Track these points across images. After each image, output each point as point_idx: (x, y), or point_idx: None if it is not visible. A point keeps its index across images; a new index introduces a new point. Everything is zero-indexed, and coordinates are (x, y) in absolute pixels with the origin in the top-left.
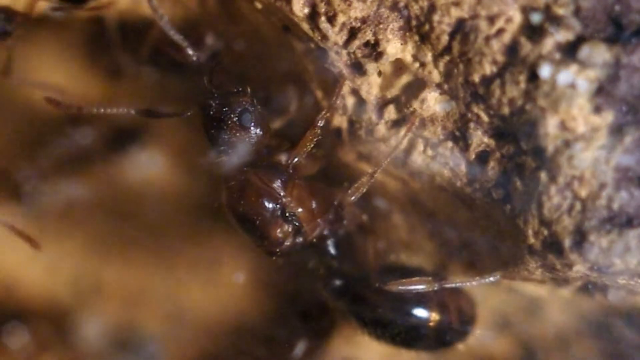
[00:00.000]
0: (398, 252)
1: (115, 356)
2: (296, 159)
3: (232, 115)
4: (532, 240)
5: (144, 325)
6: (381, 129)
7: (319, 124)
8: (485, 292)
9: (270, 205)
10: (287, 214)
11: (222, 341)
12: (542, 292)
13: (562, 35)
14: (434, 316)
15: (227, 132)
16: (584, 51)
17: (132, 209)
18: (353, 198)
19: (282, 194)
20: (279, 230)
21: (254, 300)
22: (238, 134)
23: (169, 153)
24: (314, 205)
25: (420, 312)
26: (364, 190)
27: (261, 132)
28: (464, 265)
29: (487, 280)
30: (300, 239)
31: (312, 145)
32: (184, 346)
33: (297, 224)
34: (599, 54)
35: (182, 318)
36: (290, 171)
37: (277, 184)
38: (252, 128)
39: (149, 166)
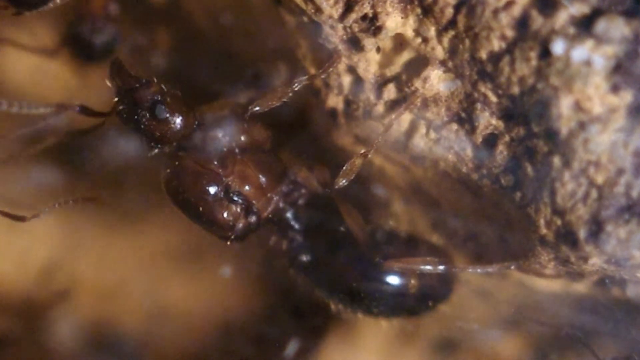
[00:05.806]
0: (374, 214)
1: (91, 355)
2: (257, 108)
3: (144, 112)
4: (544, 230)
5: (121, 322)
6: (380, 110)
7: (293, 86)
8: (493, 287)
9: (210, 188)
10: (231, 194)
11: (207, 340)
12: (555, 287)
13: (576, 8)
14: (413, 283)
15: (147, 129)
16: (601, 25)
17: (109, 196)
18: (344, 181)
19: (221, 173)
20: (226, 213)
21: (241, 295)
22: (158, 128)
23: None
24: (262, 179)
25: (398, 280)
26: (355, 172)
27: (181, 118)
28: (470, 258)
29: (498, 268)
30: (253, 218)
31: (276, 103)
32: (165, 345)
33: (244, 203)
34: (616, 28)
35: (163, 315)
36: (248, 115)
37: (214, 164)
38: (169, 117)
39: (127, 151)
